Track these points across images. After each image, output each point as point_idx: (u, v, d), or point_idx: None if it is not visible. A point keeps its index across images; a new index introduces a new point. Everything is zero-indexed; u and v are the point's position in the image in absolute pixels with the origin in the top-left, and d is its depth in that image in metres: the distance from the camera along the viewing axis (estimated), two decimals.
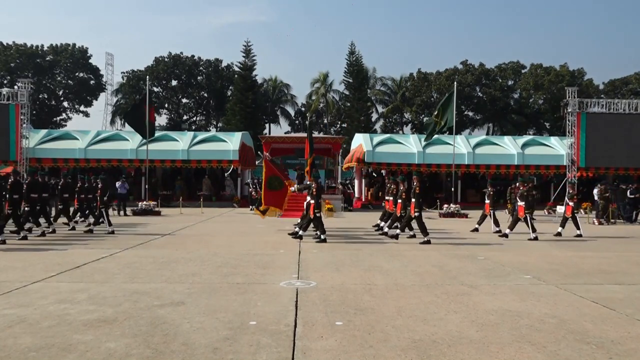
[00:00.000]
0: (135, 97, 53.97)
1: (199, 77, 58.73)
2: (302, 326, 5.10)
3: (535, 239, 12.75)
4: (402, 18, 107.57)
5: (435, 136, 26.41)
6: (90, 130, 29.68)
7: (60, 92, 57.06)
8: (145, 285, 6.95)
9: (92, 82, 57.69)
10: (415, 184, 12.25)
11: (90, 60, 57.03)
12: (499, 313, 5.69)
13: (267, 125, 58.06)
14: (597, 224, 18.28)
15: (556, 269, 8.65)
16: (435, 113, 22.65)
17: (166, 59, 57.17)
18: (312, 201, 12.10)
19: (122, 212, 20.45)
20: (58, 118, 57.50)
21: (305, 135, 36.59)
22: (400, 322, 5.29)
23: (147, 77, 26.18)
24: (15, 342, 4.52)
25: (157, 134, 29.30)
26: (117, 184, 21.01)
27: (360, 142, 28.61)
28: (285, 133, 52.74)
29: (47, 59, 54.92)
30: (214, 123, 61.30)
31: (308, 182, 13.87)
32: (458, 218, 20.39)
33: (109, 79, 65.76)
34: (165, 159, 26.87)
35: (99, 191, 14.44)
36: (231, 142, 28.11)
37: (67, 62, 55.29)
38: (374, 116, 56.30)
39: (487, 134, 52.51)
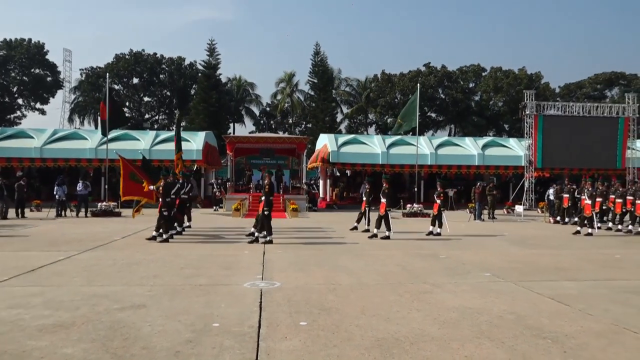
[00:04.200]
0: (95, 95, 52.55)
1: (161, 76, 57.58)
2: (266, 327, 5.08)
3: (387, 237, 12.72)
4: (366, 20, 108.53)
5: (399, 136, 26.79)
6: (47, 129, 28.67)
7: (15, 89, 54.87)
8: (104, 288, 6.77)
9: (48, 78, 55.70)
10: (266, 181, 12.24)
11: (47, 56, 55.11)
12: (460, 310, 5.81)
13: (231, 124, 57.48)
14: (552, 222, 18.89)
15: (514, 267, 8.90)
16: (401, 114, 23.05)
17: (127, 56, 55.80)
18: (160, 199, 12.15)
19: (81, 213, 19.82)
20: (12, 116, 55.28)
21: (270, 135, 36.49)
22: (364, 321, 5.34)
23: (107, 74, 25.49)
24: None
25: (118, 133, 28.61)
26: (79, 185, 20.33)
27: (325, 142, 28.69)
28: (250, 133, 52.38)
29: (0, 53, 52.72)
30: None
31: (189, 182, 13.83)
32: (421, 217, 20.71)
33: (67, 75, 63.74)
34: (126, 159, 26.19)
35: None
36: (194, 142, 27.72)
37: (22, 58, 53.22)
38: (339, 117, 56.58)
39: (449, 135, 53.56)
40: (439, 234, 13.78)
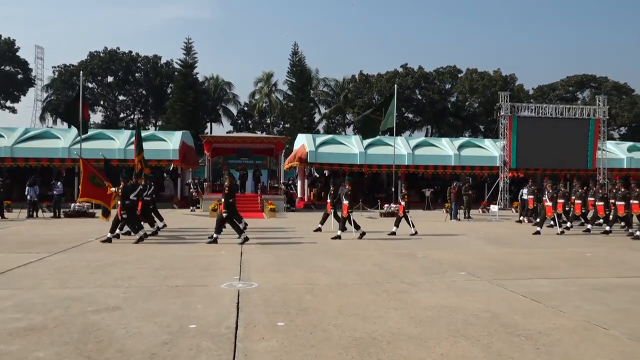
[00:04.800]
0: (68, 93, 51.49)
1: (136, 74, 56.73)
2: (243, 328, 5.06)
3: (362, 235, 12.79)
4: (344, 20, 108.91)
5: (377, 137, 26.91)
6: (18, 128, 27.97)
7: None
8: (77, 291, 6.64)
9: (19, 76, 54.38)
10: (226, 183, 12.24)
11: (17, 53, 53.76)
12: (436, 309, 5.88)
13: (208, 124, 57.00)
14: (526, 222, 19.22)
15: (489, 266, 9.04)
16: (372, 110, 22.84)
17: (101, 54, 54.88)
18: (119, 202, 11.89)
19: (55, 214, 19.41)
20: None
21: (247, 134, 36.34)
22: (342, 320, 5.35)
23: (81, 72, 25.01)
24: None
25: (92, 132, 28.12)
26: (57, 185, 19.88)
27: (303, 142, 28.68)
28: (228, 132, 52.03)
29: None
30: (153, 121, 59.49)
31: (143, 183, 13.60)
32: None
33: (39, 73, 62.15)
34: (100, 159, 25.74)
35: None
36: (171, 141, 27.39)
37: None
38: (317, 117, 56.67)
39: (426, 135, 54.11)
40: (415, 234, 13.89)
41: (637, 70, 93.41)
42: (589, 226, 15.71)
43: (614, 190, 15.70)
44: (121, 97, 58.26)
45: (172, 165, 27.39)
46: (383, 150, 27.40)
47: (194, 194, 24.76)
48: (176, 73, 51.55)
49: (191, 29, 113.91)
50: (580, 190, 16.73)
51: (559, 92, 57.51)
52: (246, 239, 11.59)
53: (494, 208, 22.18)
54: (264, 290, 6.80)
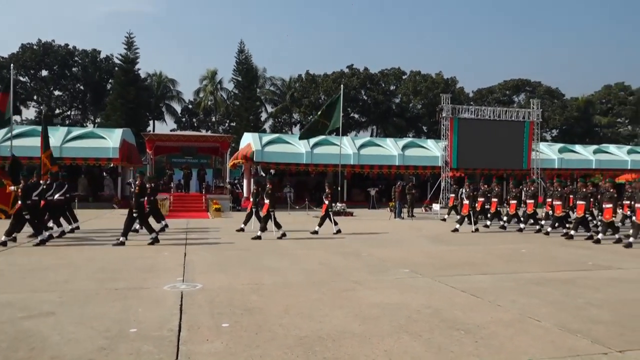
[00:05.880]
0: None
1: (73, 68, 54.27)
2: (186, 330, 4.95)
3: (283, 235, 12.89)
4: (291, 20, 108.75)
5: (323, 137, 27.11)
6: None
7: None
8: (8, 296, 6.27)
9: None
10: (137, 182, 12.17)
11: None
12: (381, 306, 5.98)
13: (151, 122, 55.37)
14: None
15: (431, 263, 9.30)
16: (320, 113, 23.13)
17: (35, 47, 52.09)
18: (20, 202, 11.05)
19: None
20: None
21: (192, 133, 35.60)
22: (287, 320, 5.35)
23: (12, 65, 23.60)
24: None
25: (25, 128, 26.69)
26: None
27: (249, 141, 28.43)
28: (171, 130, 50.75)
29: None
30: (92, 118, 57.11)
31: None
32: (344, 216, 21.07)
33: None
34: (33, 156, 24.35)
35: None
36: (111, 139, 26.37)
37: None
38: (263, 116, 56.34)
39: (371, 135, 55.02)
40: (339, 232, 13.99)
41: (567, 76, 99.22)
42: (522, 225, 16.48)
43: (526, 189, 16.83)
44: (57, 92, 55.56)
45: (112, 164, 26.42)
46: (329, 149, 27.61)
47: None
48: (117, 68, 49.73)
49: (133, 22, 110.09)
50: (496, 189, 17.63)
51: (496, 95, 60.09)
52: (156, 240, 11.38)
53: (435, 207, 22.85)
54: (209, 291, 6.68)
